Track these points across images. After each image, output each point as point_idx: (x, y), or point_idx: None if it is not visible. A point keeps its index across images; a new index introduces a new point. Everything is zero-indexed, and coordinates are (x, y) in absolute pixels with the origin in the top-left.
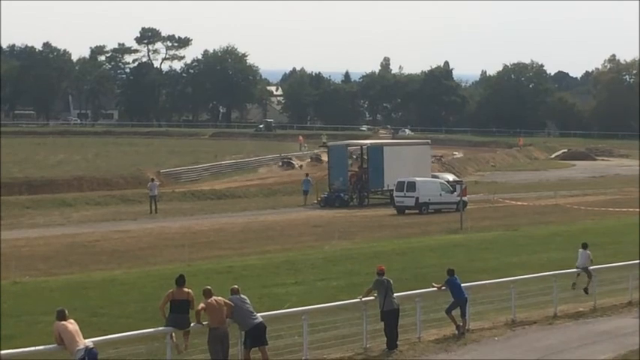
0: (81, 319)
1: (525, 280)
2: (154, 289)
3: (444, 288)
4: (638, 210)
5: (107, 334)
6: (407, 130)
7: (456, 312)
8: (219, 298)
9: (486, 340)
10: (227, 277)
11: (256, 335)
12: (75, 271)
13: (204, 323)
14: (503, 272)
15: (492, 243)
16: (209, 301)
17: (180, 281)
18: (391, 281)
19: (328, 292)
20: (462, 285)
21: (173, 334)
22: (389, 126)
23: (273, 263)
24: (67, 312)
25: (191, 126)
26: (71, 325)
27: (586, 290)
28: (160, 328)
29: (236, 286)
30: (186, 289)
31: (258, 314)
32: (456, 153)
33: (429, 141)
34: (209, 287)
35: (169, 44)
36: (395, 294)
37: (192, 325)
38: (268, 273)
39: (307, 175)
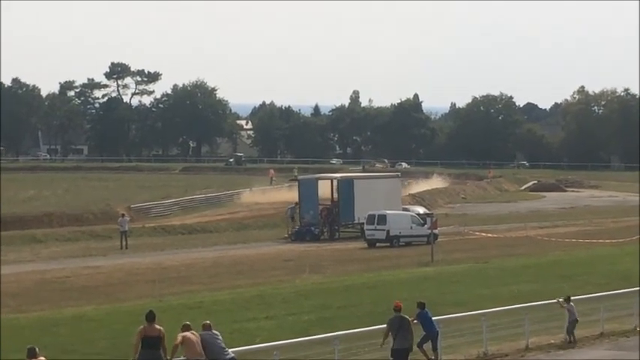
0: (51, 356)
1: (496, 312)
2: (125, 326)
3: (415, 321)
4: (607, 241)
5: None
6: (404, 164)
7: (428, 345)
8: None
9: None
10: (198, 312)
11: None
12: (45, 308)
13: None
14: (475, 305)
15: (463, 275)
16: (186, 334)
17: (150, 317)
18: (407, 318)
19: (299, 327)
20: (433, 318)
21: None
22: (385, 160)
23: (244, 298)
24: (37, 349)
25: (161, 160)
26: None
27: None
28: None
29: (208, 322)
30: (157, 326)
31: (230, 350)
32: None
33: (399, 174)
34: (188, 322)
35: (139, 79)
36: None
37: None
38: (239, 308)
39: (296, 203)
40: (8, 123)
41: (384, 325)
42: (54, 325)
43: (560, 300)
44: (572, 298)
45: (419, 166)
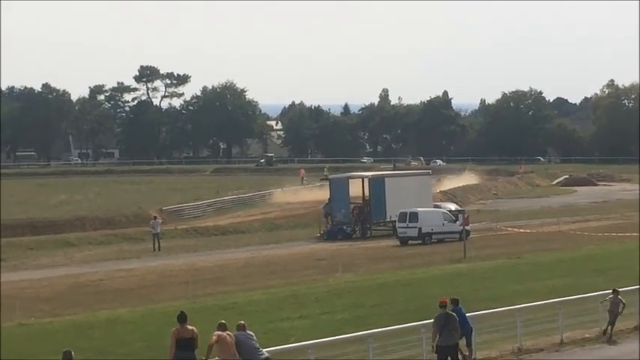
0: (87, 359)
1: (531, 307)
2: (159, 328)
3: None
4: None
5: None
6: (438, 161)
7: (462, 342)
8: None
9: None
10: (232, 313)
11: None
12: (79, 312)
13: None
14: (508, 300)
15: (496, 271)
16: (222, 334)
17: (182, 318)
18: (453, 315)
19: (333, 325)
20: (467, 314)
21: None
22: (421, 158)
23: (278, 298)
24: (73, 353)
25: (192, 162)
26: None
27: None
28: None
29: (242, 322)
30: (189, 327)
31: (265, 350)
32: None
33: (429, 171)
34: (224, 321)
35: (168, 82)
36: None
37: None
38: (273, 308)
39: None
40: (39, 128)
41: (418, 323)
42: (88, 328)
43: (610, 297)
44: (605, 292)
45: (449, 163)
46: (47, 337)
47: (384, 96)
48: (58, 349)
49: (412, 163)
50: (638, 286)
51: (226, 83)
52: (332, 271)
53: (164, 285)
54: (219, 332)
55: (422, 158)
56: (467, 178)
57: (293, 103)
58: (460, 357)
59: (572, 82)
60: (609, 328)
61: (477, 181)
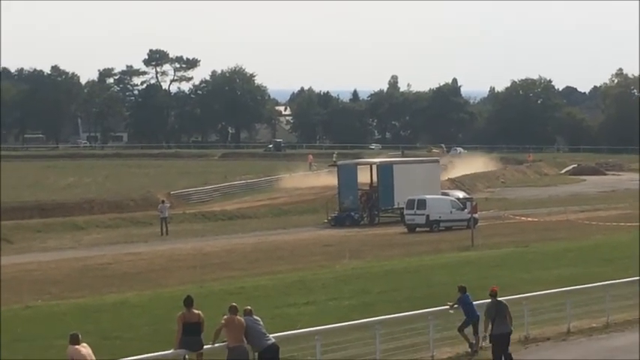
0: (93, 342)
1: (538, 296)
2: (167, 312)
3: (456, 306)
4: None
5: (120, 358)
6: (459, 149)
7: (469, 330)
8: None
9: None
10: (239, 297)
11: (269, 356)
12: (87, 295)
13: (217, 345)
14: (515, 289)
15: (504, 260)
16: (231, 319)
17: (188, 302)
18: (504, 303)
19: (340, 312)
20: (474, 302)
21: (186, 357)
22: (442, 145)
23: (285, 283)
24: (80, 336)
25: (200, 147)
26: (84, 349)
27: None
28: (173, 351)
29: (249, 307)
30: (196, 311)
31: (271, 335)
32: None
33: (438, 159)
34: (235, 304)
35: (177, 66)
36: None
37: (205, 346)
38: (280, 293)
39: None
40: (48, 111)
41: (426, 310)
42: (96, 311)
43: None
44: (613, 282)
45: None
46: (54, 319)
47: (393, 82)
48: (65, 331)
49: (434, 150)
50: (638, 277)
51: (235, 68)
52: (339, 257)
53: (171, 269)
54: (229, 316)
55: (443, 146)
56: (475, 166)
57: (302, 88)
58: (468, 345)
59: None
60: None
61: (485, 169)
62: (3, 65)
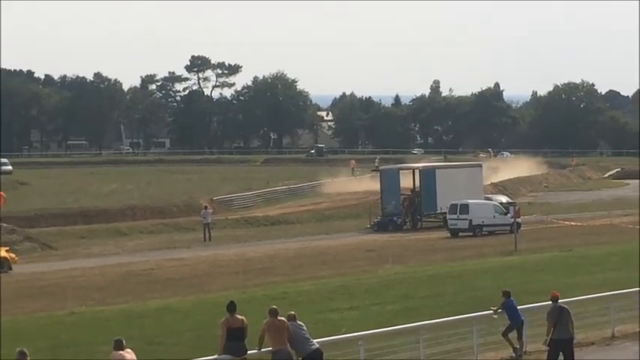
0: (137, 348)
1: (582, 300)
2: (210, 317)
3: (500, 311)
4: None
5: None
6: (506, 153)
7: (513, 334)
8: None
9: None
10: (282, 303)
11: None
12: (130, 300)
13: (263, 350)
14: (559, 293)
15: (547, 264)
16: (271, 320)
17: (231, 308)
18: (565, 308)
19: (383, 317)
20: (518, 307)
21: None
22: (490, 149)
23: (328, 288)
24: (124, 341)
25: (243, 153)
26: (128, 354)
27: None
28: (217, 357)
29: (292, 313)
30: (239, 316)
31: (315, 340)
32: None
33: (480, 163)
34: (275, 307)
35: (219, 72)
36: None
37: (248, 352)
38: (323, 298)
39: None
40: (91, 117)
41: (470, 315)
42: (139, 317)
43: None
44: None
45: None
46: (98, 325)
47: (435, 87)
48: (109, 337)
49: (481, 154)
50: (638, 289)
51: (277, 73)
52: (382, 262)
53: (214, 275)
54: (269, 319)
55: (491, 150)
56: (518, 171)
57: (344, 93)
58: (512, 349)
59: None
60: None
61: (528, 174)
62: (47, 72)
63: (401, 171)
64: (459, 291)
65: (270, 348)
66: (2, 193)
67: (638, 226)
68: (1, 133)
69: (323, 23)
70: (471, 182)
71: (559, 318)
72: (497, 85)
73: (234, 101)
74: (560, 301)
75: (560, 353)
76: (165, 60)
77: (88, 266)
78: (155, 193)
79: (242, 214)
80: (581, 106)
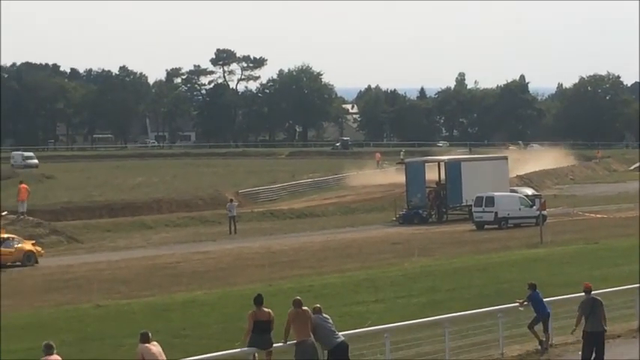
0: (163, 341)
1: (608, 293)
2: (236, 310)
3: (526, 303)
4: None
5: (190, 356)
6: (535, 145)
7: (539, 327)
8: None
9: (570, 355)
10: (308, 296)
11: (339, 354)
12: (156, 293)
13: (288, 343)
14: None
15: (573, 256)
16: (294, 310)
17: (259, 301)
18: (599, 300)
19: (409, 310)
20: (544, 300)
21: (256, 355)
22: (520, 142)
23: (353, 281)
24: (150, 334)
25: (268, 146)
26: (154, 347)
27: None
28: (243, 349)
29: (318, 305)
30: (266, 309)
31: (340, 333)
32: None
33: (506, 156)
34: (299, 298)
35: (244, 65)
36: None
37: (274, 345)
38: (348, 291)
39: None
40: (116, 111)
41: (495, 307)
42: (165, 309)
43: None
44: None
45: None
46: (124, 318)
47: (461, 80)
48: (135, 330)
49: (511, 147)
50: (637, 285)
51: (302, 66)
52: (408, 255)
53: (240, 267)
54: (293, 309)
55: (521, 142)
56: (544, 163)
57: (369, 86)
58: (537, 342)
59: None
60: None
61: (555, 165)
62: (73, 66)
63: (426, 163)
64: (485, 284)
65: (295, 340)
66: (25, 185)
67: None
68: (25, 127)
69: (348, 17)
70: (496, 175)
71: (592, 310)
72: (522, 77)
73: (260, 94)
74: None
75: None
76: (191, 53)
77: (114, 259)
78: (181, 186)
79: (267, 207)
80: (607, 98)
